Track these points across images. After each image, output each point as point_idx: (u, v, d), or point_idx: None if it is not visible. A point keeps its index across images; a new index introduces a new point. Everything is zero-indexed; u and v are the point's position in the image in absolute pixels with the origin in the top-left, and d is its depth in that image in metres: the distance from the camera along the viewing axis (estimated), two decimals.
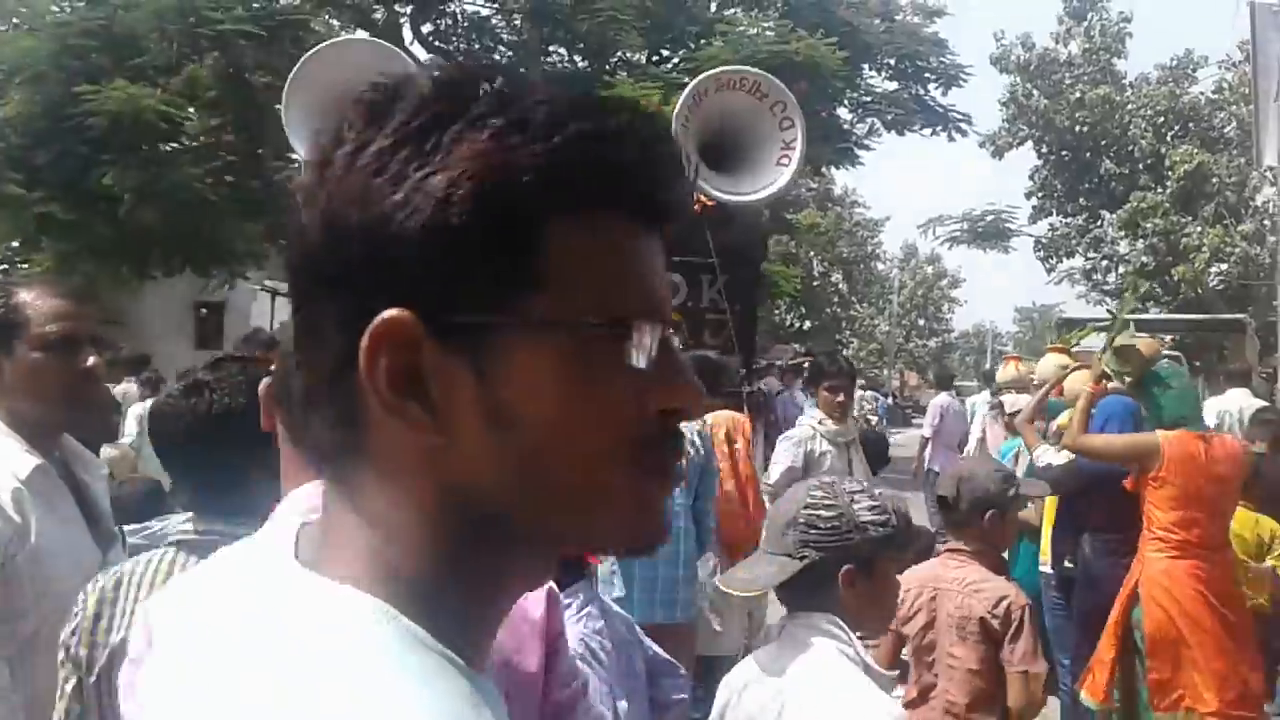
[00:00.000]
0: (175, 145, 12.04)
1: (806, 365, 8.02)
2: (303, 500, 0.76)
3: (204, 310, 17.55)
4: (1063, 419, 5.87)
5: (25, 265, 13.43)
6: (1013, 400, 7.39)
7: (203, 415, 1.81)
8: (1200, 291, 22.79)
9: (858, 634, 1.87)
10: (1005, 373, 9.25)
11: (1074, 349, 6.40)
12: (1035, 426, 5.47)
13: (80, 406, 2.08)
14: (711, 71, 6.42)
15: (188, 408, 1.82)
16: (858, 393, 11.41)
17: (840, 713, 1.76)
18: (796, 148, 5.99)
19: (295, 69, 6.21)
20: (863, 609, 1.90)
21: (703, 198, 5.75)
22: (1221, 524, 4.24)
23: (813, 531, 1.90)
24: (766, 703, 1.84)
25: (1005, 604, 2.98)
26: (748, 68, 6.79)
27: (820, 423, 4.81)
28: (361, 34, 13.52)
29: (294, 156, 13.81)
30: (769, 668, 1.90)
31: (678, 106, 6.06)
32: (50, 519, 1.94)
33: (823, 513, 1.91)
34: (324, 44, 6.81)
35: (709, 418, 4.56)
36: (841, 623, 1.86)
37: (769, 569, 1.94)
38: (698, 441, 4.16)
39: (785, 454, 4.81)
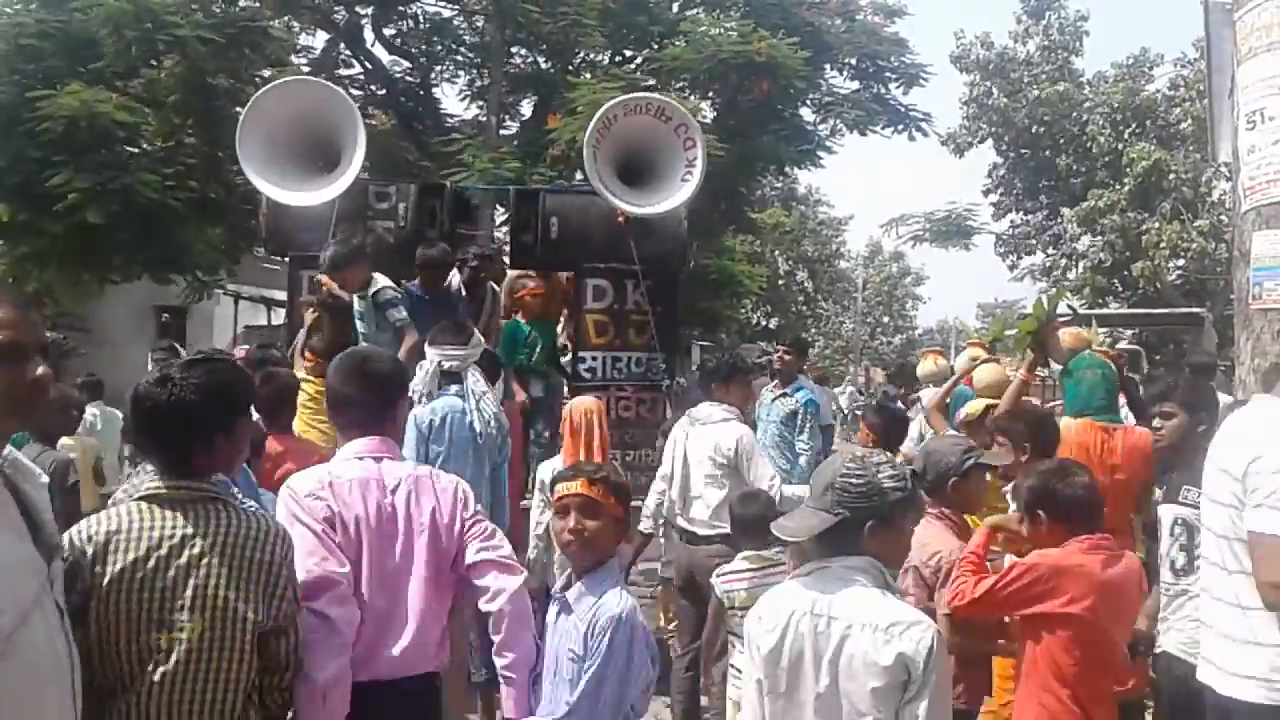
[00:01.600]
0: (134, 149, 11.89)
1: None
2: None
3: (165, 315, 17.36)
4: (970, 407, 6.00)
5: None
6: (930, 395, 7.46)
7: (165, 403, 2.41)
8: (1159, 286, 23.10)
9: None
10: (924, 367, 9.36)
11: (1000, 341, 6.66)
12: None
13: (28, 417, 2.12)
14: (619, 99, 6.91)
15: (156, 395, 2.42)
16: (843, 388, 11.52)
17: (895, 615, 2.41)
18: (698, 164, 6.43)
19: (248, 106, 6.65)
20: (882, 555, 2.51)
21: (623, 211, 6.40)
22: (1119, 511, 4.42)
23: (845, 494, 2.49)
24: (822, 625, 2.44)
25: (938, 558, 3.55)
26: (652, 95, 7.43)
27: None
28: (305, 72, 13.53)
29: None
30: (820, 599, 2.47)
31: (588, 132, 6.47)
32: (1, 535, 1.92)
33: (854, 479, 2.49)
34: (274, 83, 7.17)
35: (570, 403, 5.34)
36: (879, 564, 2.49)
37: (811, 520, 2.52)
38: (492, 424, 4.85)
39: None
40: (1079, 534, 3.23)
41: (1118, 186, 24.03)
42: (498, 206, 12.16)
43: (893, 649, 2.36)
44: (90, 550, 2.30)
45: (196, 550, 2.33)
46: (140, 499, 2.39)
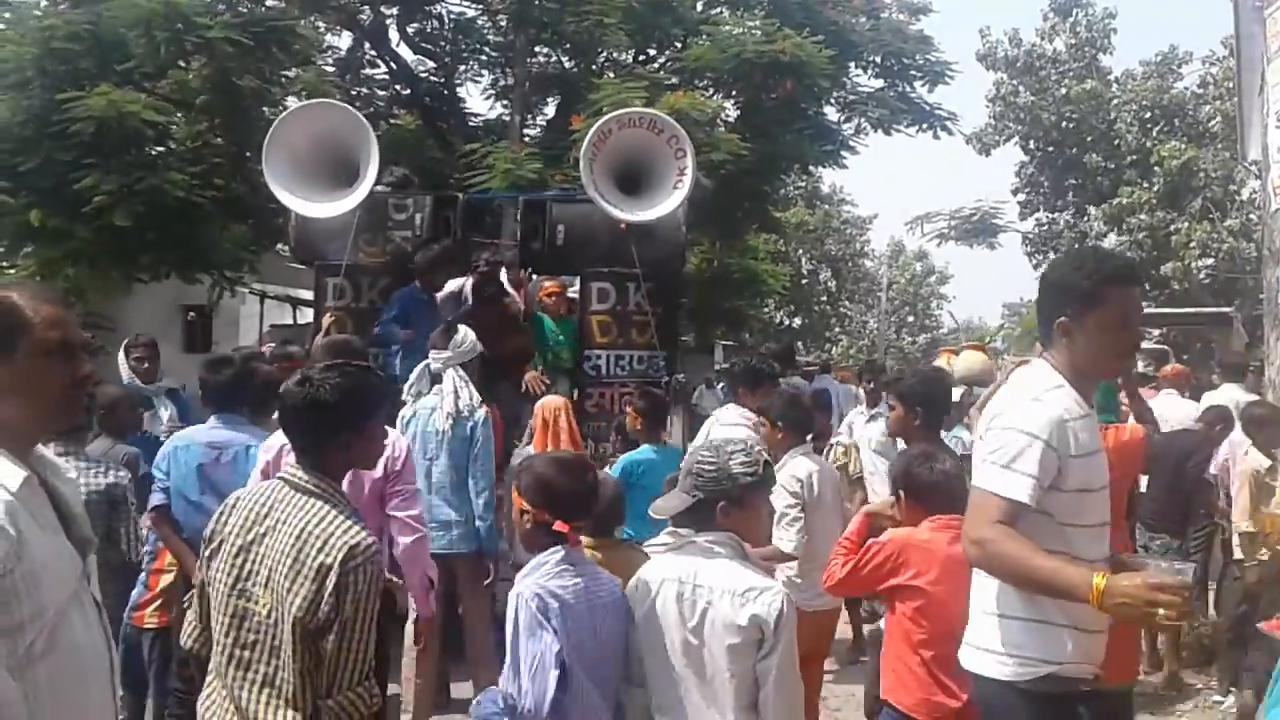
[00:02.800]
0: (161, 149, 11.99)
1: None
2: None
3: (191, 314, 17.49)
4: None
5: (11, 270, 13.38)
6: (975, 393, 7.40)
7: (300, 401, 2.69)
8: (1187, 286, 22.89)
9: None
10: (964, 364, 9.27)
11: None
12: None
13: (73, 413, 2.19)
14: (613, 114, 7.45)
15: (295, 394, 2.71)
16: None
17: (750, 582, 2.82)
18: (688, 173, 6.88)
19: (273, 126, 7.28)
20: (739, 530, 2.93)
21: (618, 218, 6.88)
22: (1114, 507, 4.40)
23: (700, 479, 2.93)
24: (688, 592, 2.84)
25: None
26: (645, 109, 7.97)
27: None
28: (330, 71, 13.60)
29: None
30: (684, 568, 2.89)
31: (584, 145, 6.96)
32: (39, 531, 1.95)
33: (706, 466, 2.93)
34: (297, 106, 7.97)
35: (541, 400, 5.93)
36: (737, 538, 2.92)
37: (674, 502, 2.98)
38: (450, 421, 5.33)
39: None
40: (935, 515, 3.56)
41: (1146, 185, 23.83)
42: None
43: (747, 611, 2.77)
44: (221, 506, 2.77)
45: (280, 536, 2.58)
46: (279, 478, 2.73)
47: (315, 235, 7.36)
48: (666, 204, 6.90)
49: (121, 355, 6.63)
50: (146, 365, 6.56)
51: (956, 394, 7.57)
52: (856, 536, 3.72)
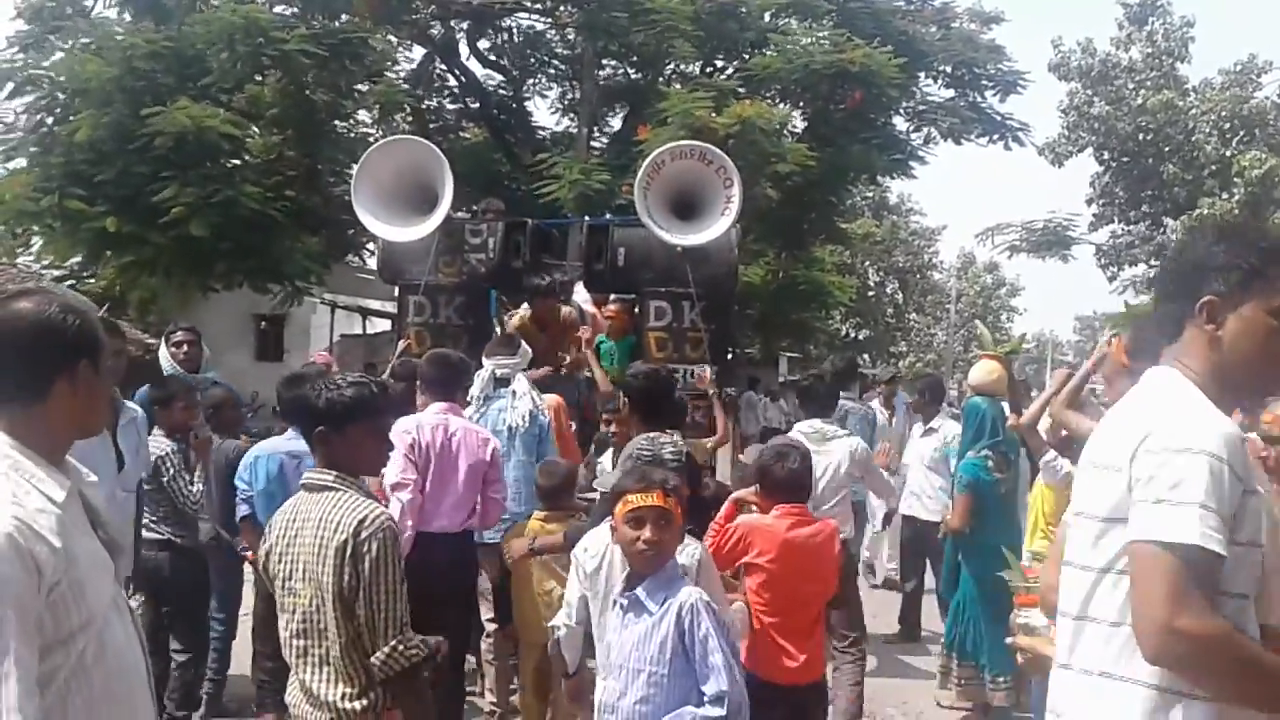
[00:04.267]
0: (237, 162, 12.25)
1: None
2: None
3: (264, 323, 17.82)
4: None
5: (91, 280, 13.74)
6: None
7: (290, 405, 3.33)
8: None
9: None
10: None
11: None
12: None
13: (98, 430, 2.39)
14: (667, 146, 8.02)
15: (291, 400, 3.40)
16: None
17: (683, 548, 3.41)
18: (735, 200, 7.32)
19: (361, 161, 8.10)
20: None
21: (668, 242, 7.40)
22: None
23: (639, 464, 3.67)
24: None
25: None
26: (694, 142, 8.35)
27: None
28: (402, 84, 13.83)
29: (351, 172, 14.08)
30: None
31: (639, 175, 7.53)
32: (80, 539, 1.98)
33: (645, 453, 3.86)
34: (383, 141, 8.78)
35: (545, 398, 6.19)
36: None
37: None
38: (525, 419, 5.75)
39: None
40: (783, 504, 4.15)
41: (1226, 196, 23.24)
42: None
43: (680, 559, 3.33)
44: (269, 523, 3.07)
45: (305, 532, 2.88)
46: (301, 484, 3.04)
47: (398, 257, 8.04)
48: (715, 229, 7.35)
49: (163, 345, 6.48)
50: (188, 351, 6.35)
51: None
52: (725, 520, 4.18)
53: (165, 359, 6.30)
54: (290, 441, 4.96)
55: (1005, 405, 6.13)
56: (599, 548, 3.57)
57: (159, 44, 11.76)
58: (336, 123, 13.46)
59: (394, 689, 2.84)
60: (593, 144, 15.51)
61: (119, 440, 4.67)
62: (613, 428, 4.90)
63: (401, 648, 2.81)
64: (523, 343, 6.25)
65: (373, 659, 2.80)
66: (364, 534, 2.78)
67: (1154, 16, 26.23)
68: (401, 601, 2.83)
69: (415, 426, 4.90)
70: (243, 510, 5.09)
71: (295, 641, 2.90)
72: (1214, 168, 24.12)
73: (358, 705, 2.82)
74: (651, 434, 4.16)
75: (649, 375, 4.80)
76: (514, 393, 5.89)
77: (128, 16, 13.17)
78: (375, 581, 2.78)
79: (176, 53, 11.83)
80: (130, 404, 5.07)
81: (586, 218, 12.18)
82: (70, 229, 11.64)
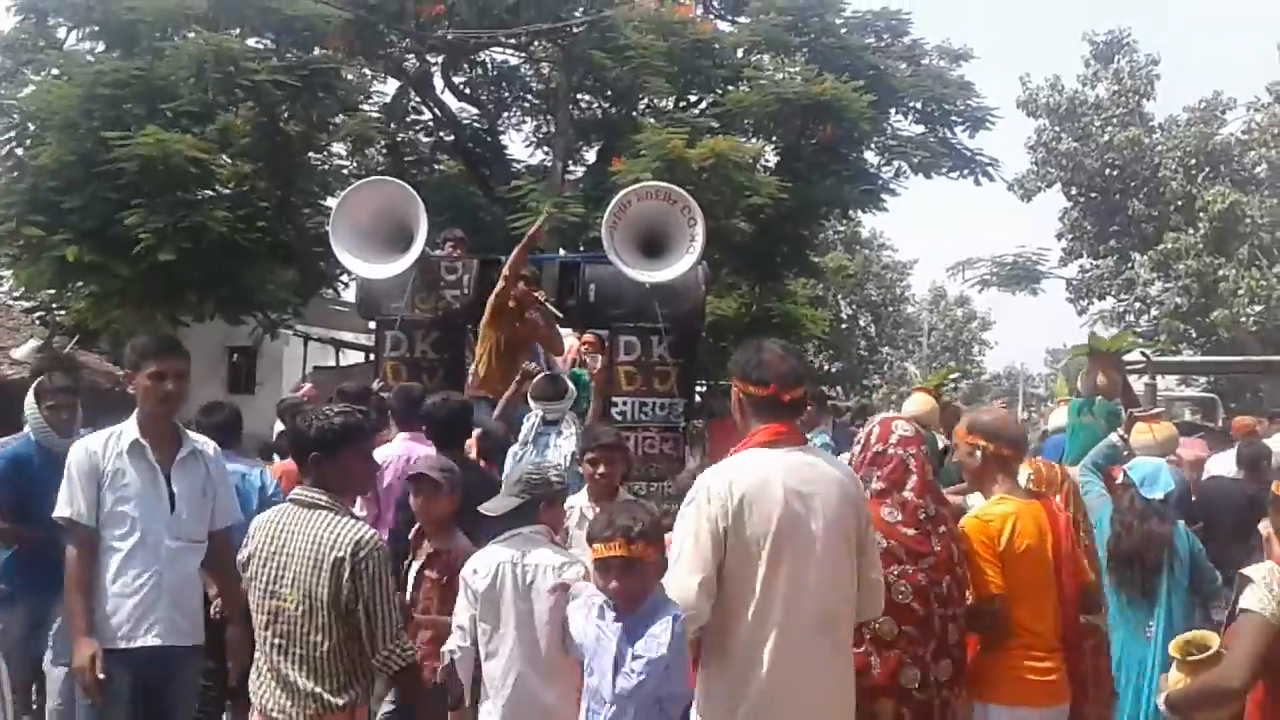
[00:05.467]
0: (208, 192, 12.20)
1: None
2: None
3: (236, 355, 17.69)
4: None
5: (62, 312, 13.61)
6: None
7: (290, 433, 3.65)
8: (1235, 334, 22.54)
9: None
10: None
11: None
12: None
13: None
14: (631, 188, 8.33)
15: (291, 429, 3.71)
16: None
17: (562, 559, 3.80)
18: (698, 239, 7.63)
19: (338, 201, 8.53)
20: (550, 523, 3.99)
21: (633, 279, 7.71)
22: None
23: (528, 485, 3.95)
24: (518, 570, 3.74)
25: None
26: (660, 183, 8.72)
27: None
28: (376, 118, 14.48)
29: (326, 206, 14.08)
30: (516, 553, 3.79)
31: (606, 214, 7.82)
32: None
33: (534, 476, 4.01)
34: (359, 183, 8.93)
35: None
36: (550, 529, 3.97)
37: (507, 502, 3.92)
38: (566, 460, 5.88)
39: None
40: None
41: (1192, 231, 23.57)
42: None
43: (560, 576, 3.71)
44: (248, 533, 3.37)
45: (296, 543, 3.18)
46: (289, 500, 3.33)
47: (375, 293, 8.31)
48: (679, 266, 7.65)
49: (30, 396, 5.06)
50: (65, 415, 5.04)
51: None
52: None
53: (32, 415, 5.03)
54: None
55: (939, 436, 6.28)
56: (489, 568, 3.78)
57: (127, 72, 11.71)
58: (310, 155, 13.46)
59: (401, 684, 3.28)
60: (567, 177, 15.58)
61: (173, 478, 3.96)
62: (600, 469, 4.83)
63: (398, 648, 3.18)
64: (570, 386, 6.63)
65: (375, 658, 3.17)
66: (361, 554, 3.12)
67: (1120, 54, 26.67)
68: (396, 610, 3.22)
69: (380, 459, 5.27)
70: None
71: (276, 640, 3.20)
72: (1179, 203, 24.46)
73: (339, 700, 3.17)
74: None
75: (446, 401, 5.41)
76: (559, 433, 6.30)
77: (101, 46, 13.13)
78: (374, 594, 3.13)
79: (146, 81, 11.78)
80: (199, 436, 4.26)
81: (561, 251, 12.34)
82: (31, 258, 11.51)
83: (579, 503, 4.86)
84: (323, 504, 3.23)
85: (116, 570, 3.80)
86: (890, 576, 3.34)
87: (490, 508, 3.93)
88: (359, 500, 5.42)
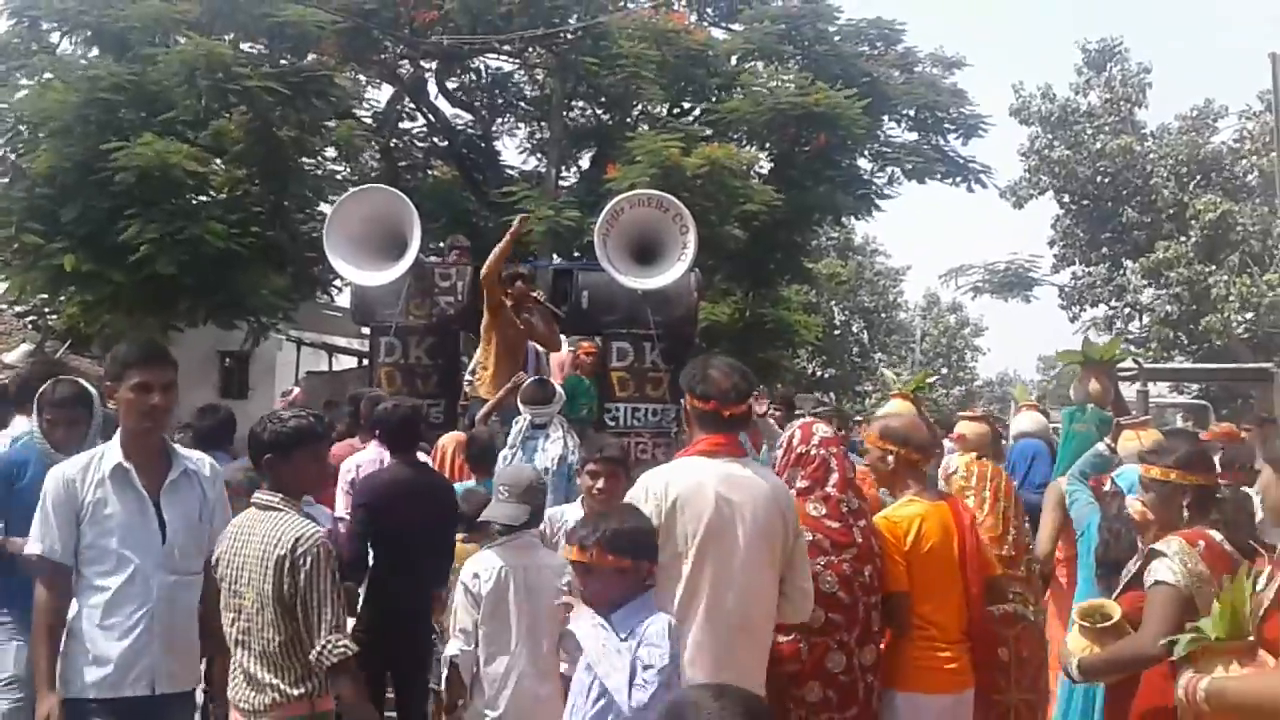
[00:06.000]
0: (202, 198, 12.17)
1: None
2: None
3: (228, 360, 17.65)
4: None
5: (54, 316, 13.57)
6: None
7: (249, 438, 3.43)
8: (1226, 341, 22.62)
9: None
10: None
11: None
12: None
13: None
14: (624, 195, 8.44)
15: (250, 434, 3.44)
16: None
17: (561, 560, 3.76)
18: (690, 246, 7.70)
19: (332, 209, 8.51)
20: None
21: (625, 285, 7.79)
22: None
23: (531, 492, 4.19)
24: (518, 572, 3.98)
25: None
26: (652, 191, 8.73)
27: None
28: (369, 123, 14.03)
29: (319, 211, 14.04)
30: (517, 558, 4.02)
31: (599, 222, 7.92)
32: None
33: (537, 484, 4.31)
34: (353, 190, 9.06)
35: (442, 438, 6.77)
36: (539, 532, 4.35)
37: (514, 510, 4.09)
38: (553, 464, 6.22)
39: None
40: None
41: (1183, 239, 23.67)
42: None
43: (562, 579, 3.84)
44: (221, 535, 3.45)
45: (251, 544, 3.29)
46: (251, 502, 3.41)
47: (370, 300, 8.37)
48: (670, 273, 7.71)
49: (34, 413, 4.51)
50: (60, 433, 4.36)
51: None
52: None
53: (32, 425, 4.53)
54: None
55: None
56: (491, 572, 3.94)
57: (122, 77, 11.68)
58: (303, 160, 13.44)
59: (333, 680, 3.25)
60: (561, 182, 15.58)
61: (164, 504, 3.50)
62: (599, 483, 4.56)
63: (331, 645, 3.20)
64: (558, 390, 6.72)
65: (312, 653, 3.21)
66: (300, 550, 3.21)
67: (1112, 62, 26.80)
68: (334, 606, 3.23)
69: (355, 465, 5.86)
70: None
71: (239, 636, 3.33)
72: (1171, 211, 24.57)
73: (296, 691, 3.27)
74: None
75: (396, 408, 5.47)
76: (547, 436, 6.40)
77: (95, 51, 13.11)
78: (309, 589, 3.20)
79: (139, 86, 11.75)
80: (192, 453, 3.77)
81: (555, 256, 12.37)
82: (27, 264, 11.48)
83: (571, 515, 4.70)
84: (276, 505, 3.33)
85: (102, 613, 3.38)
86: (817, 567, 3.59)
87: (498, 516, 4.08)
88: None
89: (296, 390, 8.85)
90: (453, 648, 3.95)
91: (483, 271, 7.57)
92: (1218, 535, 3.37)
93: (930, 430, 6.49)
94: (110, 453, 3.49)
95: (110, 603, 3.40)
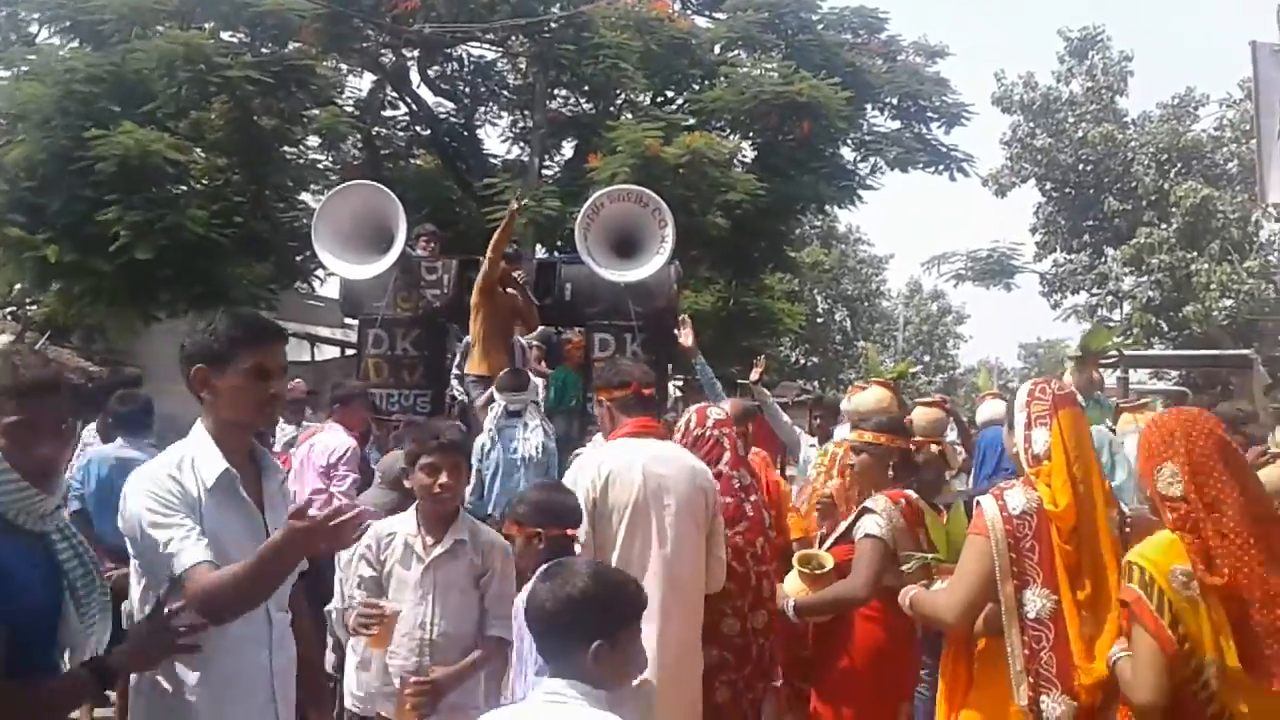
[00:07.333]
0: (183, 188, 12.10)
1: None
2: None
3: None
4: None
5: (34, 306, 13.48)
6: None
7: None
8: (1207, 328, 22.78)
9: None
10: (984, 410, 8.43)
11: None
12: None
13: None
14: (604, 191, 8.69)
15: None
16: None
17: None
18: (669, 240, 7.97)
19: (321, 203, 8.86)
20: None
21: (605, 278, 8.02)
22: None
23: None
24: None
25: None
26: (632, 186, 8.91)
27: None
28: (351, 112, 15.63)
29: (300, 199, 13.91)
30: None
31: (580, 216, 8.17)
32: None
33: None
34: (342, 186, 9.20)
35: None
36: None
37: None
38: (537, 450, 6.41)
39: None
40: None
41: (1164, 226, 23.80)
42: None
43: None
44: None
45: None
46: None
47: (358, 293, 8.61)
48: (649, 266, 7.97)
49: None
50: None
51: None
52: None
53: None
54: (120, 449, 5.76)
55: None
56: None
57: (101, 68, 11.60)
58: (284, 149, 13.37)
59: None
60: (544, 171, 15.54)
61: (268, 521, 2.68)
62: (441, 479, 4.42)
63: None
64: (533, 378, 6.94)
65: None
66: None
67: (1094, 50, 26.87)
68: None
69: (327, 448, 6.26)
70: (73, 506, 5.44)
71: None
72: (1152, 198, 24.69)
73: None
74: None
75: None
76: (525, 424, 6.51)
77: (76, 43, 13.00)
78: None
79: (118, 77, 11.67)
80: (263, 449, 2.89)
81: (538, 246, 12.41)
82: (12, 257, 11.41)
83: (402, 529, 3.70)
84: None
85: (206, 662, 2.47)
86: None
87: (368, 501, 4.32)
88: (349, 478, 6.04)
89: (298, 381, 8.86)
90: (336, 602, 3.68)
91: (488, 254, 7.69)
92: (914, 494, 3.93)
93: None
94: (205, 454, 2.63)
95: (218, 651, 2.47)
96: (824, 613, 3.93)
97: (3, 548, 2.25)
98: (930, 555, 3.51)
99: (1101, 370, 6.04)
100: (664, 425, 3.99)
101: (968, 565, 2.98)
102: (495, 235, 7.69)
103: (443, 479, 3.49)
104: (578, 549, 3.32)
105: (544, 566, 2.57)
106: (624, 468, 3.64)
